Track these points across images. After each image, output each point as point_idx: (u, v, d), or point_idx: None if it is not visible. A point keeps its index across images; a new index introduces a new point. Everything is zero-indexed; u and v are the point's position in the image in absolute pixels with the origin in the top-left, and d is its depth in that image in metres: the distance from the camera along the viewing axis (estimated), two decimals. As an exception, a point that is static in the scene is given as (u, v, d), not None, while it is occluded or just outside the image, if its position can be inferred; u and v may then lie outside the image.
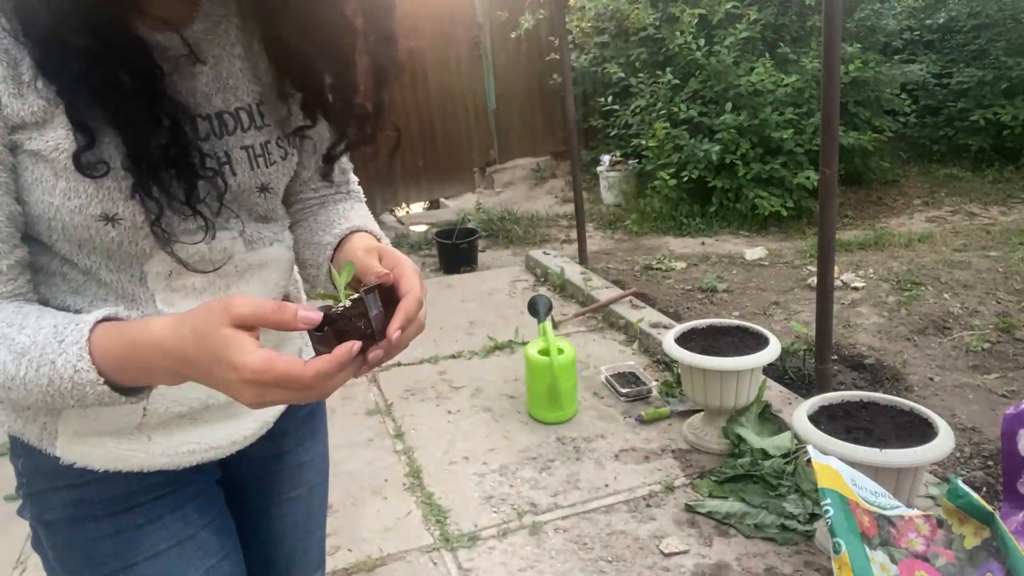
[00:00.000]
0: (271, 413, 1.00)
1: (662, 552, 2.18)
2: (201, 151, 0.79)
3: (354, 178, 1.08)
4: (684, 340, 2.71)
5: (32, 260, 0.79)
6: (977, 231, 5.26)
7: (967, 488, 1.60)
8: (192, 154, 0.77)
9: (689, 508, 2.36)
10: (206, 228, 0.81)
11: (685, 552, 2.17)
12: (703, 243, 5.49)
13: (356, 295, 0.67)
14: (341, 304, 0.67)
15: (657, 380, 3.19)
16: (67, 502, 0.88)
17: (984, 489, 2.38)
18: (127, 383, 0.70)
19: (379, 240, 0.92)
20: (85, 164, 0.72)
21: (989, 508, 1.57)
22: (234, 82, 0.84)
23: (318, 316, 0.65)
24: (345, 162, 1.04)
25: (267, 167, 0.88)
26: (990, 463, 2.52)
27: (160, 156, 0.74)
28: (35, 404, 0.72)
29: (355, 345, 0.63)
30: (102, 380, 0.67)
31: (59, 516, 0.88)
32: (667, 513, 2.36)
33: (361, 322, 0.66)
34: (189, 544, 0.91)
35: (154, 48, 0.75)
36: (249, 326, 0.64)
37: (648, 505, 2.41)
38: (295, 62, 0.85)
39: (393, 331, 0.68)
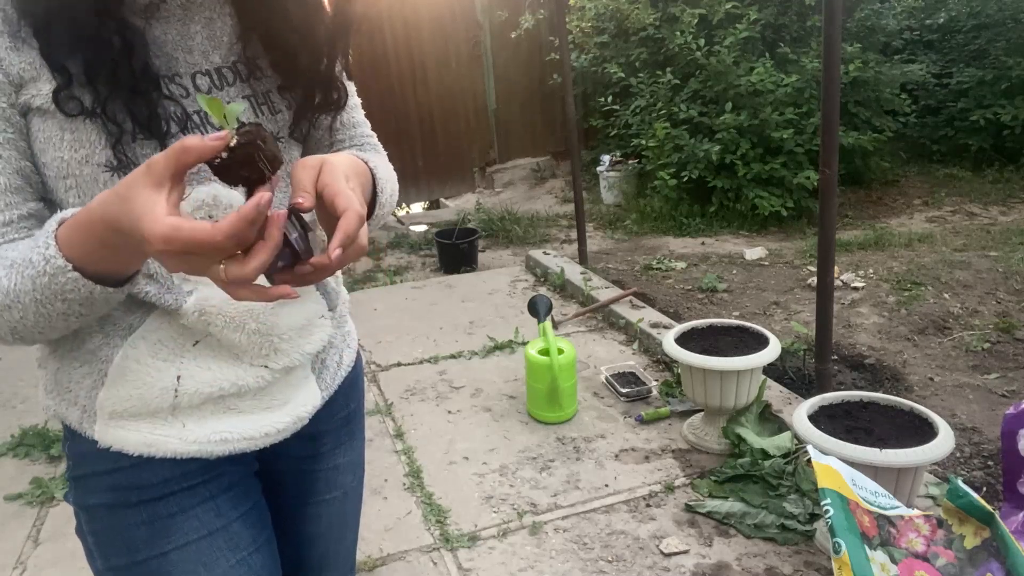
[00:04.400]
0: (305, 409, 0.98)
1: (662, 552, 2.18)
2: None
3: (369, 133, 1.07)
4: (684, 340, 2.71)
5: None
6: (977, 231, 5.26)
7: (967, 488, 1.60)
8: (161, 91, 0.81)
9: (689, 508, 2.36)
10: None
11: (685, 552, 2.17)
12: (703, 243, 5.49)
13: (246, 127, 0.63)
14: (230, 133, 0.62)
15: (657, 380, 3.19)
16: (105, 487, 0.89)
17: (984, 489, 2.38)
18: (101, 270, 0.70)
19: (372, 171, 0.88)
20: (62, 103, 0.74)
21: (989, 508, 1.57)
22: (227, 39, 0.87)
23: (223, 134, 0.62)
24: (355, 117, 1.04)
25: (272, 115, 0.90)
26: (990, 463, 2.52)
27: (127, 85, 0.77)
28: (33, 325, 0.73)
29: (264, 196, 0.59)
30: (70, 266, 0.68)
31: (98, 501, 0.90)
32: (667, 513, 2.36)
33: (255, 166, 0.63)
34: (220, 535, 0.92)
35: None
36: (170, 177, 0.61)
37: (648, 505, 2.41)
38: (266, 25, 0.89)
39: (333, 250, 0.67)
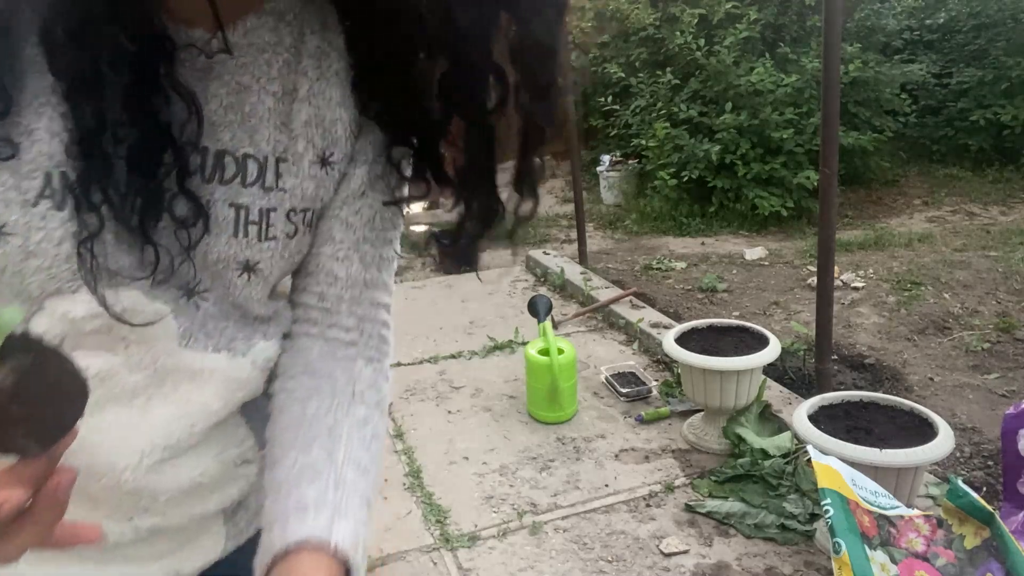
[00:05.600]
0: (190, 564, 0.73)
1: (662, 552, 2.18)
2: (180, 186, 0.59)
3: (385, 318, 0.76)
4: (684, 340, 2.71)
5: None
6: (977, 231, 5.26)
7: (967, 488, 1.60)
8: (167, 166, 0.58)
9: (689, 508, 2.36)
10: (155, 265, 0.58)
11: (685, 552, 2.17)
12: (703, 243, 5.49)
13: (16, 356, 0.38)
14: None
15: (657, 380, 3.19)
16: None
17: (984, 489, 2.38)
18: None
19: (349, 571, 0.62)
20: None
21: (989, 508, 1.57)
22: (255, 122, 0.63)
23: None
24: (377, 300, 0.75)
25: (260, 240, 0.64)
26: (990, 463, 2.52)
27: (125, 148, 0.54)
28: None
29: (11, 499, 0.40)
30: None
31: None
32: (667, 513, 2.36)
33: None
34: None
35: (170, 34, 0.57)
36: None
37: (648, 505, 2.41)
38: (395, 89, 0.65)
39: None
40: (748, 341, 2.68)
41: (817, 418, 2.12)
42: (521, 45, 0.58)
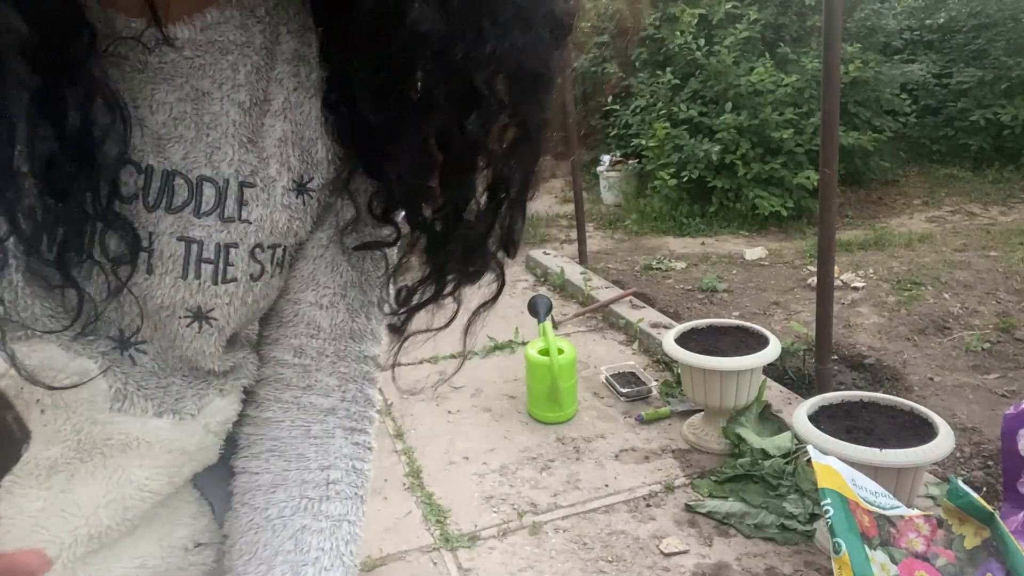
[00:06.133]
0: None
1: (662, 552, 2.18)
2: (113, 212, 0.48)
3: (371, 383, 0.68)
4: (684, 340, 2.71)
5: None
6: (977, 231, 5.26)
7: (967, 488, 1.60)
8: (94, 192, 0.46)
9: (689, 508, 2.36)
10: (77, 313, 0.47)
11: (685, 552, 2.17)
12: (703, 243, 5.48)
13: None
14: None
15: (657, 380, 3.19)
16: None
17: (984, 489, 2.38)
18: None
19: None
20: None
21: (989, 508, 1.57)
22: (215, 137, 0.52)
23: None
24: (371, 360, 0.66)
25: (216, 283, 0.53)
26: (990, 463, 2.52)
27: (43, 167, 0.43)
28: None
29: None
30: None
31: None
32: (667, 513, 2.36)
33: None
34: None
35: (93, 19, 0.45)
36: None
37: (648, 505, 2.41)
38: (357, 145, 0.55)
39: None
40: (748, 341, 2.67)
41: (817, 418, 2.12)
42: (513, 80, 0.51)
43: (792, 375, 3.17)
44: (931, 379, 3.17)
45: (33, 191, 0.43)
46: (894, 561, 1.54)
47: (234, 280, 0.53)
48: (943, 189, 6.42)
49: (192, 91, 0.51)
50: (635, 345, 3.63)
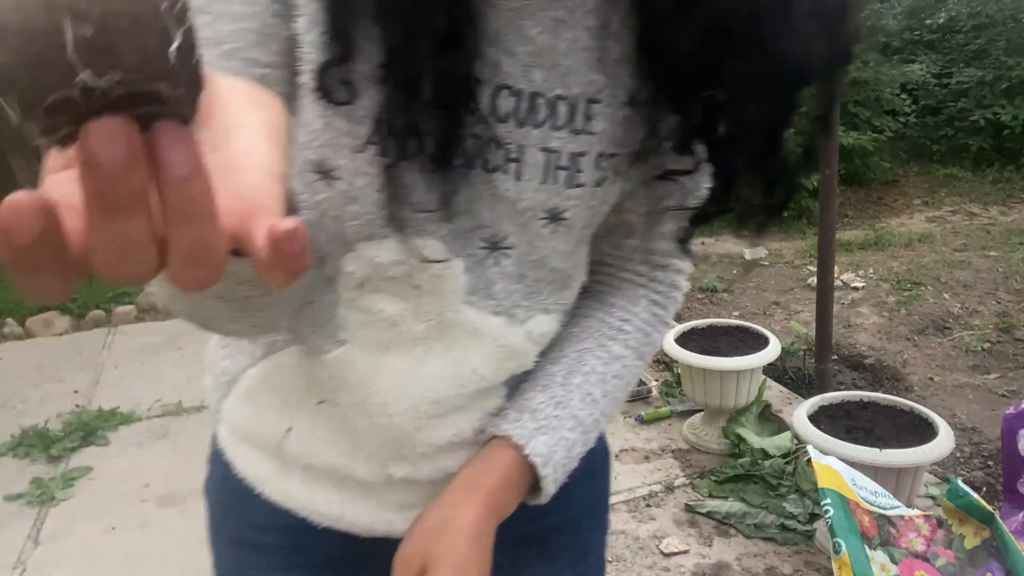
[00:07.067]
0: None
1: (662, 552, 2.18)
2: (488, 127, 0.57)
3: (676, 287, 0.75)
4: (684, 340, 2.71)
5: None
6: (977, 231, 5.26)
7: (967, 488, 1.60)
8: (468, 101, 0.55)
9: (689, 508, 2.36)
10: (443, 211, 0.57)
11: (685, 552, 2.17)
12: (703, 243, 5.49)
13: None
14: None
15: (657, 380, 3.19)
16: (215, 488, 0.78)
17: (984, 489, 2.38)
18: None
19: (537, 470, 0.65)
20: (328, 84, 0.52)
21: (989, 508, 1.57)
22: (569, 62, 0.58)
23: None
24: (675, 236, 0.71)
25: (568, 187, 0.61)
26: (990, 463, 2.52)
27: (429, 79, 0.51)
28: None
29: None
30: None
31: (208, 498, 0.80)
32: (667, 513, 2.36)
33: None
34: None
35: None
36: None
37: (648, 505, 2.41)
38: (683, 66, 0.57)
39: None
40: (748, 341, 2.67)
41: (817, 418, 2.12)
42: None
43: (792, 375, 3.17)
44: (931, 379, 3.17)
45: (430, 111, 0.53)
46: (894, 561, 1.54)
47: (582, 185, 0.61)
48: (943, 189, 6.42)
49: (551, 21, 0.57)
50: (635, 345, 3.63)
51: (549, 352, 0.71)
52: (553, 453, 0.65)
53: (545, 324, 0.68)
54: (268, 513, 0.72)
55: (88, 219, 0.25)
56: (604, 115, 0.60)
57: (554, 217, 0.62)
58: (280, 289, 0.33)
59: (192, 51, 0.26)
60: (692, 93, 0.58)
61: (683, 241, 0.70)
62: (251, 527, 0.75)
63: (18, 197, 0.23)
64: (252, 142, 0.30)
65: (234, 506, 0.76)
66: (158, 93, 0.25)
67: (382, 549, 0.67)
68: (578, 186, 0.61)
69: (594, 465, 0.77)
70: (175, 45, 0.25)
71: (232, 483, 0.73)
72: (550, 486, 0.66)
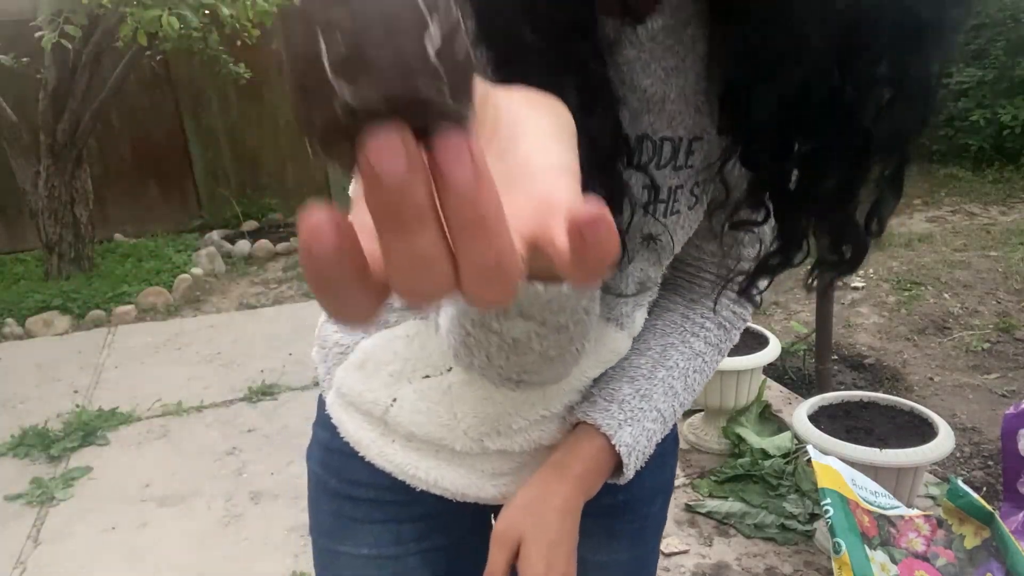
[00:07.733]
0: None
1: (662, 552, 2.17)
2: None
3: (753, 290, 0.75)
4: (684, 340, 2.70)
5: None
6: (977, 231, 5.26)
7: (967, 488, 1.60)
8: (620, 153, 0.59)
9: (689, 508, 2.36)
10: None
11: (685, 552, 2.17)
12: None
13: None
14: None
15: (657, 380, 3.19)
16: (319, 454, 0.84)
17: (984, 489, 2.38)
18: None
19: (619, 453, 0.70)
20: None
21: (989, 508, 1.57)
22: (674, 106, 0.62)
23: None
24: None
25: (665, 216, 0.66)
26: (990, 463, 2.52)
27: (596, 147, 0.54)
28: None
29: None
30: None
31: (312, 466, 0.85)
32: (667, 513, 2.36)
33: None
34: (389, 563, 0.82)
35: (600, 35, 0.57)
36: None
37: (648, 505, 2.40)
38: (758, 130, 0.59)
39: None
40: (748, 341, 2.67)
41: (817, 418, 2.12)
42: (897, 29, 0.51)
43: (792, 375, 3.17)
44: (931, 379, 3.17)
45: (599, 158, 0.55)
46: (894, 561, 1.55)
47: (678, 213, 0.66)
48: (943, 189, 6.42)
49: (662, 72, 0.60)
50: (635, 345, 3.63)
51: (635, 341, 0.76)
52: (637, 443, 0.71)
53: (639, 320, 0.76)
54: (369, 473, 0.78)
55: (380, 239, 0.24)
56: (703, 151, 0.64)
57: (650, 239, 0.67)
58: (588, 288, 0.37)
59: (458, 50, 0.24)
60: (766, 155, 0.59)
61: (744, 293, 0.72)
62: (353, 484, 0.81)
63: (316, 215, 0.23)
64: (540, 143, 0.29)
65: (337, 466, 0.81)
66: (426, 100, 0.23)
67: (472, 509, 0.79)
68: (674, 214, 0.66)
69: (664, 450, 0.80)
70: (436, 47, 0.23)
71: (337, 444, 0.79)
72: (631, 472, 0.71)
